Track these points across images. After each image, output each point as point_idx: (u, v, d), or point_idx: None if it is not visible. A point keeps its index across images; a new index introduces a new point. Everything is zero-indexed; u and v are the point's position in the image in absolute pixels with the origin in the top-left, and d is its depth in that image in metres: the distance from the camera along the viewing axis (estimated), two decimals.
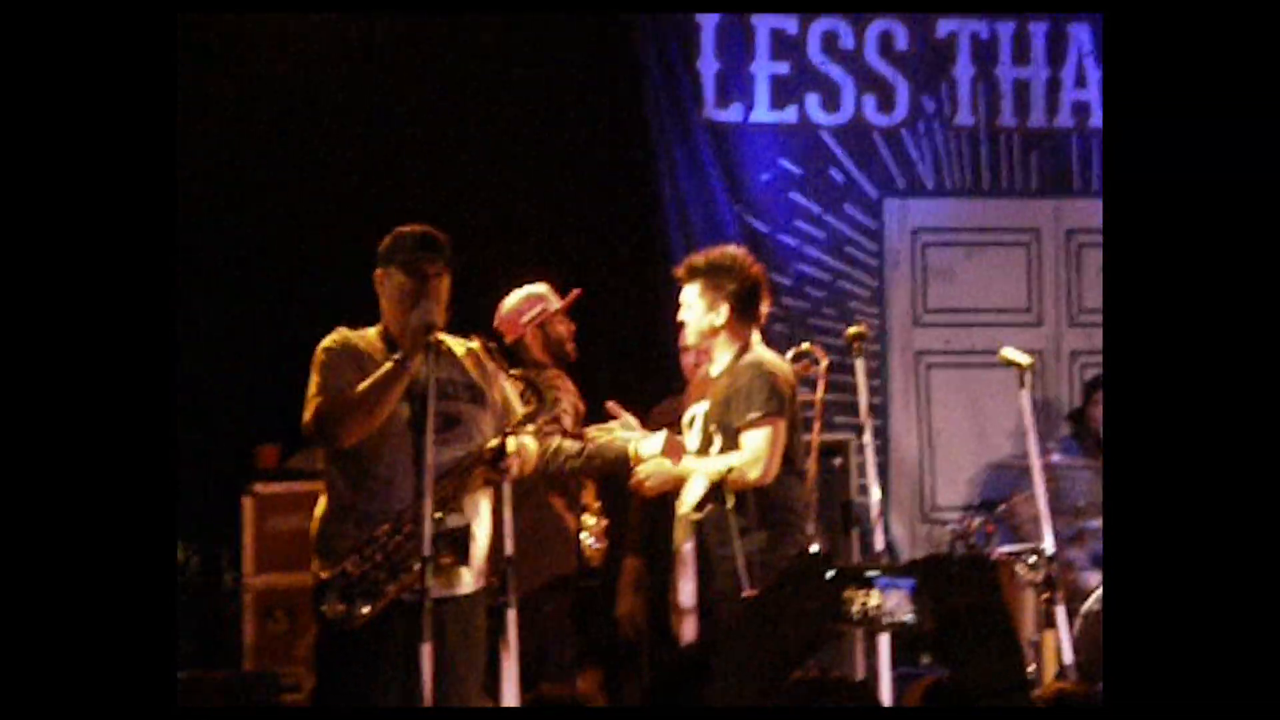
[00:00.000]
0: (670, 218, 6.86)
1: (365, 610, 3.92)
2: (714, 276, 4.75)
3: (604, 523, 4.91)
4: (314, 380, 4.08)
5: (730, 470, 4.46)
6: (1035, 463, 4.92)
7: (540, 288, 5.17)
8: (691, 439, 4.72)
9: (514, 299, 5.14)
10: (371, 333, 4.18)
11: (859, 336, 5.03)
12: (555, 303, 5.15)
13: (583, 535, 4.80)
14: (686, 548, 4.51)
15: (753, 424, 4.53)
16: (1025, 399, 5.00)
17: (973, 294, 7.06)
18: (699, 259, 4.86)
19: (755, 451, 4.51)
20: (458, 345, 4.20)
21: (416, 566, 3.87)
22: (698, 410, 4.77)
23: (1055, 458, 6.18)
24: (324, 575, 3.96)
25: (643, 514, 5.29)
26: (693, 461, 4.66)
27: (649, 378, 6.30)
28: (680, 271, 4.87)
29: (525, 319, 5.06)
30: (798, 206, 6.96)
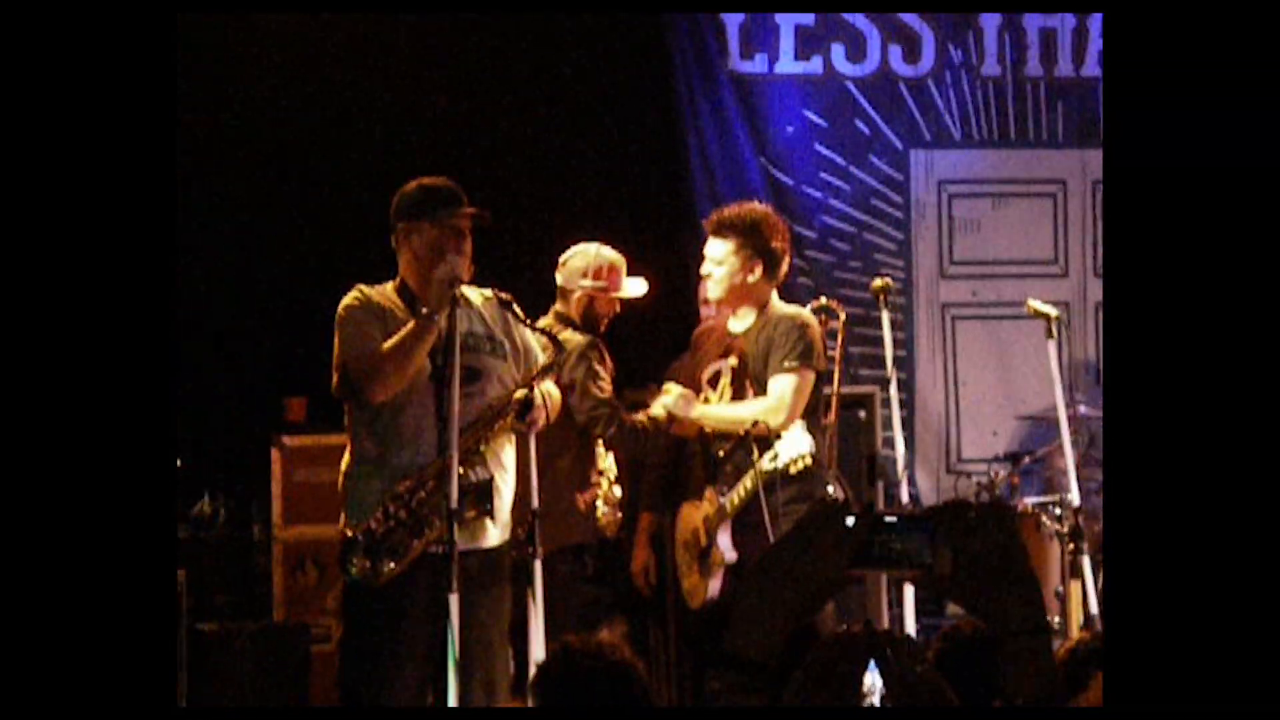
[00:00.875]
0: (695, 170, 6.84)
1: (390, 567, 3.95)
2: (750, 235, 4.76)
3: (621, 493, 4.94)
4: (339, 339, 4.11)
5: (754, 417, 4.50)
6: (1062, 414, 4.93)
7: (616, 257, 5.08)
8: (715, 395, 4.74)
9: (590, 255, 5.03)
10: (389, 288, 4.19)
11: (884, 289, 5.02)
12: (621, 282, 5.05)
13: (599, 504, 4.83)
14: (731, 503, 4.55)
15: (784, 371, 4.59)
16: (1052, 350, 5.00)
17: (999, 246, 7.03)
18: (734, 215, 4.84)
19: (780, 398, 4.57)
20: (476, 296, 4.21)
21: (440, 522, 3.91)
22: (723, 366, 4.77)
23: (1082, 409, 6.16)
24: (349, 533, 4.00)
25: (659, 471, 5.34)
26: (718, 409, 4.70)
27: (672, 332, 6.30)
28: (711, 225, 4.86)
29: (584, 283, 4.99)
30: (823, 158, 6.93)
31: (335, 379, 4.10)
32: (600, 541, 4.92)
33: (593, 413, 4.74)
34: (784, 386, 4.59)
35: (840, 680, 1.75)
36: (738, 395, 4.70)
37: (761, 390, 4.65)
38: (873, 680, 1.75)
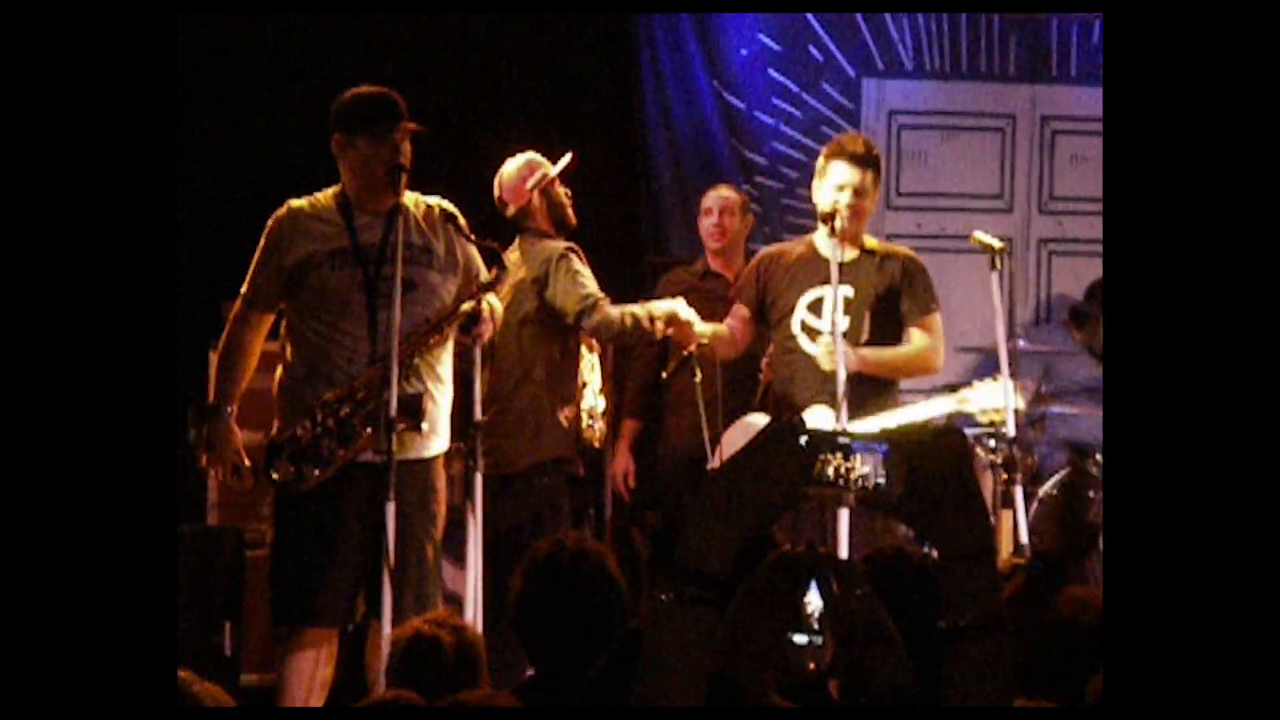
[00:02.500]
0: (648, 91, 6.79)
1: (315, 474, 3.95)
2: (877, 168, 4.90)
3: (605, 405, 5.00)
4: (257, 253, 4.11)
5: (922, 359, 4.84)
6: (1003, 348, 4.98)
7: (533, 155, 5.11)
8: (823, 322, 4.76)
9: (512, 167, 5.06)
10: (328, 195, 4.15)
11: (832, 215, 5.03)
12: (550, 168, 5.09)
13: (583, 416, 4.88)
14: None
15: (934, 311, 4.94)
16: (995, 283, 5.04)
17: (946, 178, 7.05)
18: (871, 146, 4.91)
19: (939, 338, 4.94)
20: (414, 208, 4.18)
21: (367, 432, 3.91)
22: (828, 293, 4.74)
23: (1021, 343, 6.23)
24: (273, 438, 3.99)
25: (642, 379, 5.46)
26: (888, 352, 4.80)
27: (622, 243, 6.30)
28: (855, 155, 4.81)
29: (529, 185, 4.98)
30: (776, 84, 6.90)
31: (242, 290, 4.13)
32: (585, 450, 4.98)
33: (583, 303, 4.70)
34: (938, 326, 4.89)
35: (781, 598, 1.77)
36: (855, 325, 4.77)
37: (885, 323, 4.81)
38: (812, 600, 1.78)
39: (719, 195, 5.82)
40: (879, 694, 1.77)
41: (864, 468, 1.73)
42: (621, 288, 6.15)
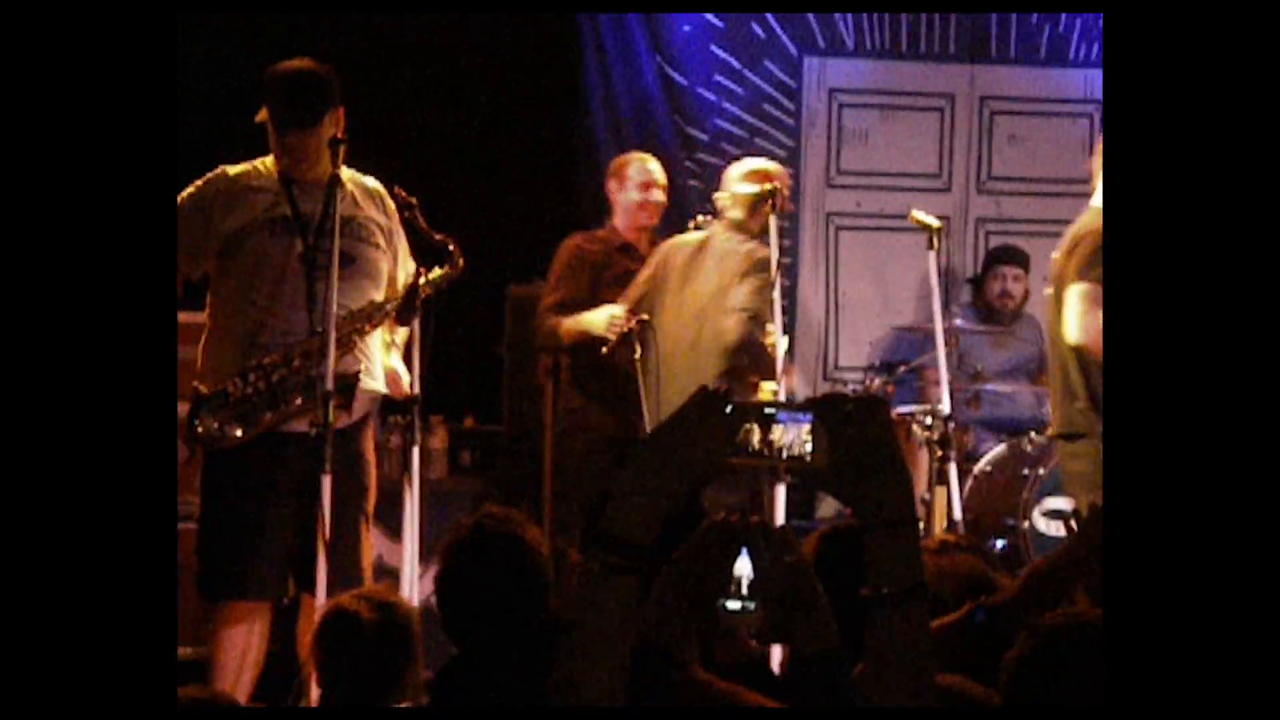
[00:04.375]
0: (589, 65, 6.78)
1: (238, 433, 3.93)
2: None
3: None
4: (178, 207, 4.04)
5: None
6: (938, 325, 5.03)
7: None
8: None
9: (743, 167, 5.23)
10: (265, 164, 4.12)
11: (773, 194, 5.05)
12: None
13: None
14: None
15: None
16: (932, 262, 5.08)
17: (885, 157, 7.09)
18: None
19: None
20: (359, 185, 4.15)
21: (297, 401, 3.90)
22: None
23: (958, 322, 6.29)
24: (202, 389, 3.96)
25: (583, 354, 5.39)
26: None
27: (563, 217, 6.28)
28: None
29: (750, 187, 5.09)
30: (718, 60, 6.90)
31: None
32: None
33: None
34: None
35: (712, 564, 1.79)
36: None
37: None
38: (743, 566, 1.80)
39: (658, 170, 5.58)
40: (805, 659, 1.79)
41: (788, 437, 1.75)
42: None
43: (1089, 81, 7.12)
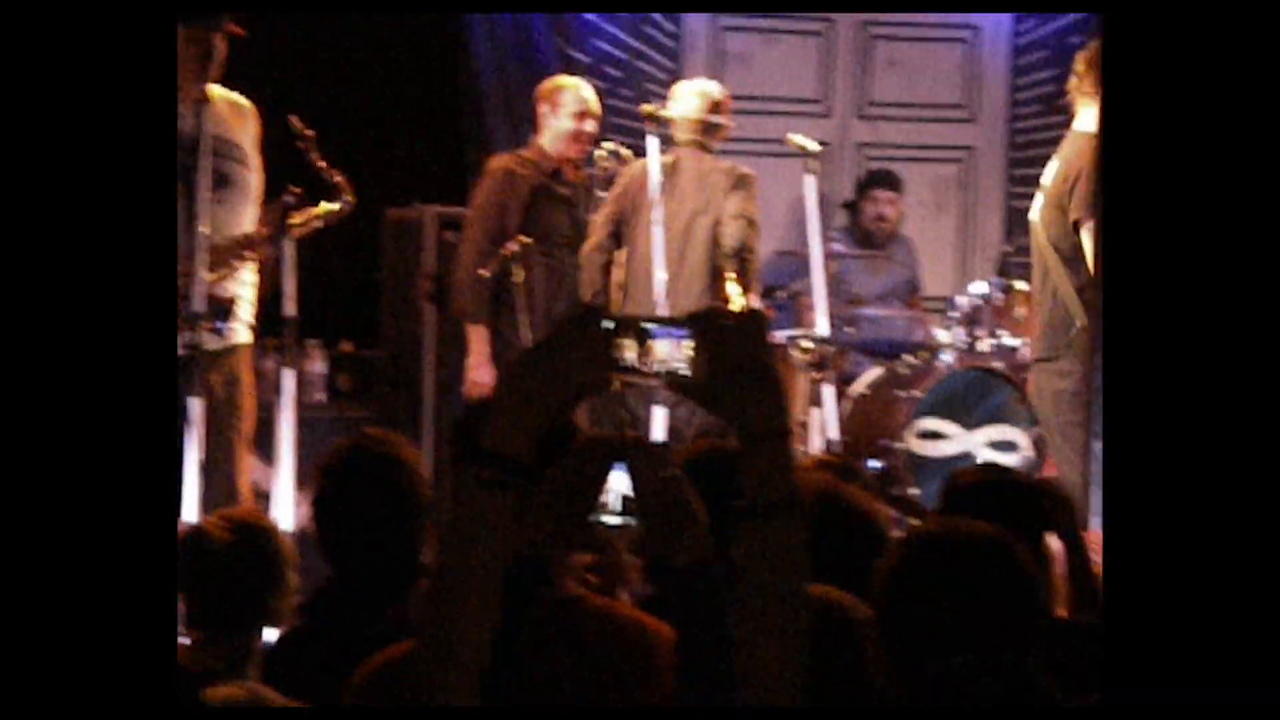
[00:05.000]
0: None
1: None
2: None
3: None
4: None
5: None
6: (815, 249, 5.07)
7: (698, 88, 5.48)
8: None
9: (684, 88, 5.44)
10: None
11: (653, 115, 5.04)
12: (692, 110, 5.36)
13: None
14: None
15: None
16: (809, 186, 5.12)
17: (767, 81, 7.09)
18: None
19: None
20: (231, 105, 4.07)
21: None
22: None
23: (835, 246, 6.34)
24: None
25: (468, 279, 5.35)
26: None
27: (444, 138, 6.20)
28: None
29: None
30: None
31: None
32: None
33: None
34: None
35: (588, 479, 1.79)
36: None
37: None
38: (618, 480, 1.80)
39: (593, 99, 5.42)
40: (681, 571, 1.80)
41: (663, 352, 1.74)
42: (443, 185, 6.10)
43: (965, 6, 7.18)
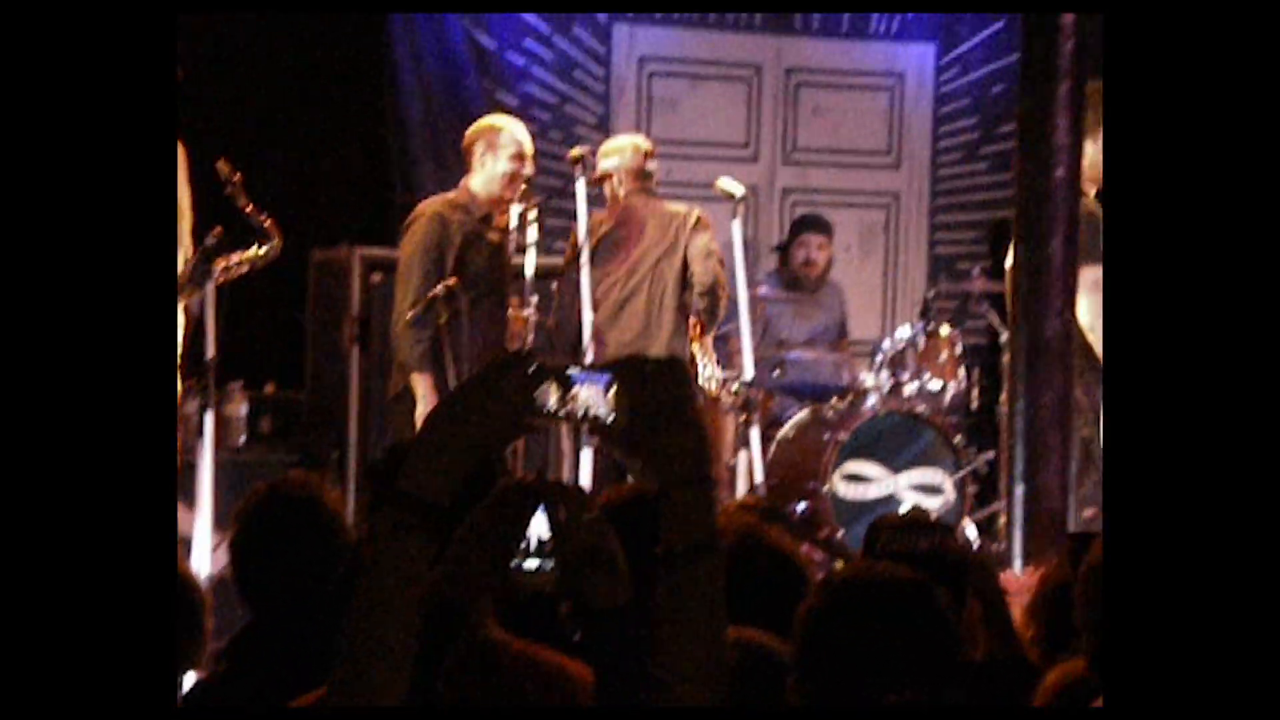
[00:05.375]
0: (396, 28, 6.66)
1: None
2: None
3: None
4: None
5: None
6: (742, 293, 5.11)
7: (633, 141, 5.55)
8: None
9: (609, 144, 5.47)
10: None
11: (581, 159, 5.06)
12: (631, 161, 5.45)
13: None
14: None
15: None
16: (736, 230, 5.17)
17: (695, 126, 7.15)
18: None
19: None
20: None
21: None
22: None
23: (763, 290, 6.39)
24: None
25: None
26: None
27: (371, 182, 6.18)
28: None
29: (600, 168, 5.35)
30: (526, 25, 6.86)
31: None
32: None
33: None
34: None
35: (507, 523, 1.79)
36: None
37: None
38: (538, 524, 1.80)
39: (528, 141, 5.26)
40: (598, 615, 1.80)
41: (585, 397, 1.75)
42: (369, 227, 6.08)
43: (889, 55, 7.30)
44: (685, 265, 5.32)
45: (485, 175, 5.12)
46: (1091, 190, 4.60)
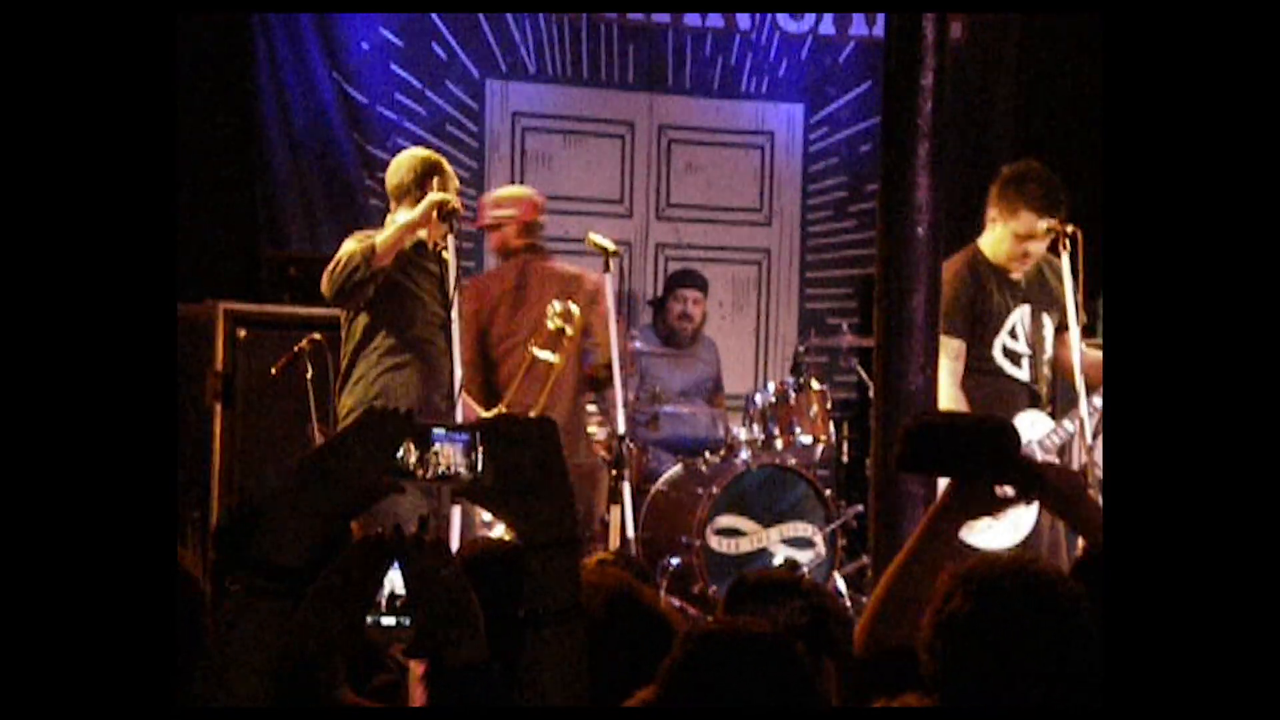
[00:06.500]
0: (263, 81, 6.60)
1: None
2: None
3: None
4: None
5: None
6: (614, 347, 5.11)
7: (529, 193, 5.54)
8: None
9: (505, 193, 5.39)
10: None
11: (453, 213, 5.03)
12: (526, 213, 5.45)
13: None
14: None
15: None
16: (608, 284, 5.18)
17: (569, 182, 7.18)
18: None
19: None
20: None
21: None
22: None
23: (637, 344, 6.41)
24: None
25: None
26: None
27: (238, 235, 6.08)
28: (1058, 213, 4.67)
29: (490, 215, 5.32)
30: (398, 79, 6.85)
31: None
32: None
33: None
34: None
35: (361, 579, 1.76)
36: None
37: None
38: (393, 578, 1.77)
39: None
40: (455, 671, 1.77)
41: (446, 456, 1.74)
42: (236, 281, 5.98)
43: (760, 113, 7.41)
44: (586, 330, 5.34)
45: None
46: (1034, 247, 4.78)
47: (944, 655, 1.96)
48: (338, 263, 4.67)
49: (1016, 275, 4.83)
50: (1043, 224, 4.67)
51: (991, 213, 4.79)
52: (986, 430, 2.29)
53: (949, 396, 4.54)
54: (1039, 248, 4.76)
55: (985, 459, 2.25)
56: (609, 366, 5.15)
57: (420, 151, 5.16)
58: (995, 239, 4.80)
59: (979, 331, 4.78)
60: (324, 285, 4.70)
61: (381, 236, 4.73)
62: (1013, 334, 4.86)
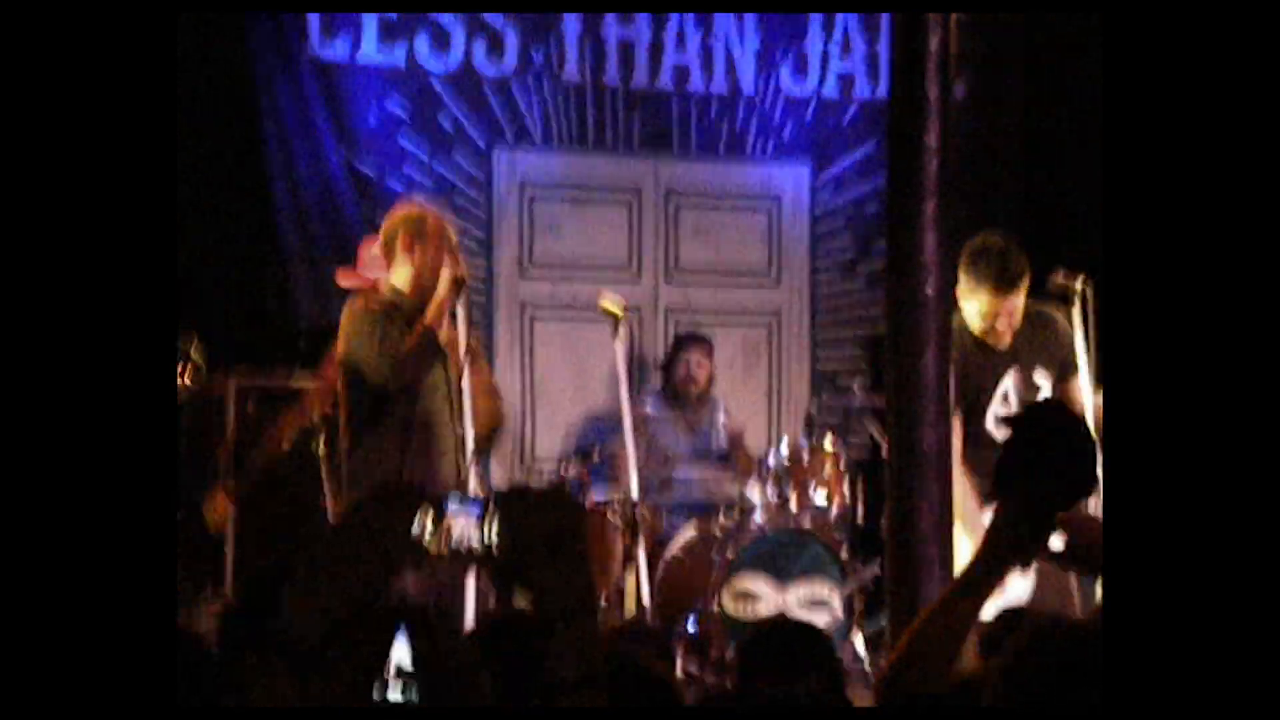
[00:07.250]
0: (272, 157, 6.65)
1: None
2: None
3: None
4: None
5: None
6: (625, 410, 5.10)
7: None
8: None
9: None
10: None
11: (460, 282, 5.05)
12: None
13: None
14: None
15: None
16: (619, 348, 5.18)
17: (577, 248, 7.21)
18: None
19: None
20: None
21: None
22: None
23: (647, 408, 6.40)
24: None
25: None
26: None
27: (245, 302, 6.09)
28: (1014, 289, 4.65)
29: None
30: (406, 152, 6.91)
31: None
32: None
33: None
34: None
35: (366, 649, 1.74)
36: None
37: None
38: (399, 648, 1.75)
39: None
40: None
41: (460, 528, 1.73)
42: (252, 356, 6.00)
43: (766, 176, 7.45)
44: None
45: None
46: (1002, 324, 4.74)
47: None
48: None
49: (999, 345, 4.79)
50: (1014, 300, 4.65)
51: (960, 289, 4.74)
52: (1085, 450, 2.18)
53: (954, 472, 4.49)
54: (1007, 322, 4.72)
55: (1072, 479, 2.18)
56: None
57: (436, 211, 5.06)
58: (969, 314, 4.75)
59: (970, 404, 4.72)
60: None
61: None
62: (1005, 400, 4.82)
